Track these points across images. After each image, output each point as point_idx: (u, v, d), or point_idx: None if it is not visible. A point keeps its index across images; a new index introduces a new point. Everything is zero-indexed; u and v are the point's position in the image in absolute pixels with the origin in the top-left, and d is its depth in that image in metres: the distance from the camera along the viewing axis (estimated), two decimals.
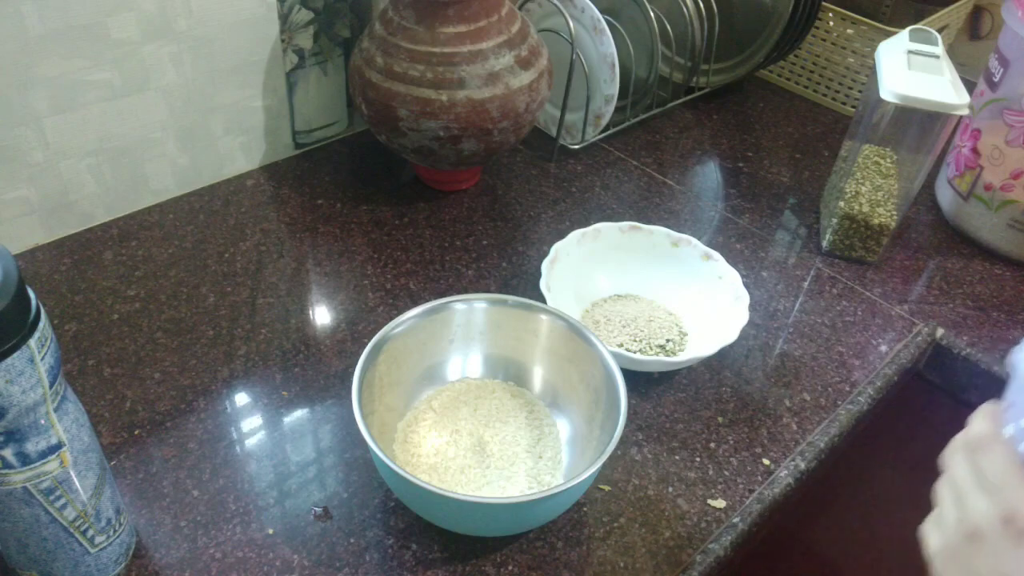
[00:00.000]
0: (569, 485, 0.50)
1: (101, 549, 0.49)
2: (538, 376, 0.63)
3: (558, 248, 0.71)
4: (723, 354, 0.69)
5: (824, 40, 1.03)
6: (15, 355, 0.39)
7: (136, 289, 0.72)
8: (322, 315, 0.71)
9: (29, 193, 0.72)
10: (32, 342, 0.40)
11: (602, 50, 0.87)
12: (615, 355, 0.58)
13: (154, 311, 0.70)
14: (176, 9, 0.72)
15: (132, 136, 0.76)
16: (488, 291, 0.74)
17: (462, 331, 0.62)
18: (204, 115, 0.80)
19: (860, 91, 1.03)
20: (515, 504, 0.51)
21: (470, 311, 0.62)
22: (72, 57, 0.69)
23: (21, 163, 0.71)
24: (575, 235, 0.72)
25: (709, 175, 0.93)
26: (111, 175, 0.77)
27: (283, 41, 0.81)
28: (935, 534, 0.39)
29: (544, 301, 0.64)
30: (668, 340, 0.68)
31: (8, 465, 0.42)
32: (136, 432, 0.60)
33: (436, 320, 0.61)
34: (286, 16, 0.80)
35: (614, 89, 0.88)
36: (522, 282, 0.75)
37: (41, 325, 0.40)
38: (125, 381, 0.64)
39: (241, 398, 0.64)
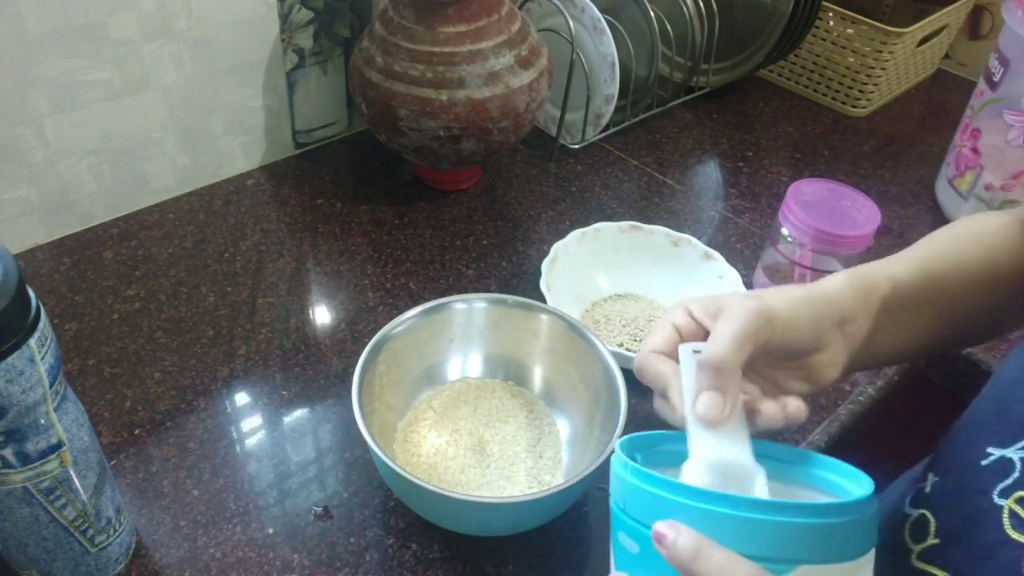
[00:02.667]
0: (569, 485, 0.50)
1: (101, 548, 0.49)
2: (538, 376, 0.63)
3: (558, 248, 0.71)
4: None
5: (824, 40, 1.03)
6: (15, 355, 0.39)
7: (136, 289, 0.72)
8: (322, 315, 0.71)
9: (29, 193, 0.72)
10: (32, 342, 0.40)
11: (602, 50, 0.87)
12: (615, 355, 0.58)
13: (154, 311, 0.70)
14: (176, 9, 0.72)
15: (132, 136, 0.76)
16: (488, 291, 0.74)
17: (462, 331, 0.62)
18: (204, 115, 0.80)
19: (860, 91, 1.03)
20: (515, 504, 0.50)
21: (470, 311, 0.62)
22: (72, 57, 0.69)
23: (21, 163, 0.71)
24: (575, 235, 0.72)
25: (709, 175, 0.93)
26: (111, 175, 0.77)
27: (283, 41, 0.81)
28: None
29: (544, 301, 0.64)
30: None
31: (8, 465, 0.42)
32: (136, 432, 0.60)
33: (436, 320, 0.61)
34: (286, 16, 0.80)
35: (614, 89, 0.88)
36: (522, 282, 0.75)
37: (41, 325, 0.40)
38: (125, 381, 0.64)
39: (241, 398, 0.64)
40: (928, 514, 0.45)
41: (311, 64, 0.85)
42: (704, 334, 0.41)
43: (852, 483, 0.38)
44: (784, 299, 0.40)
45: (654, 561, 0.34)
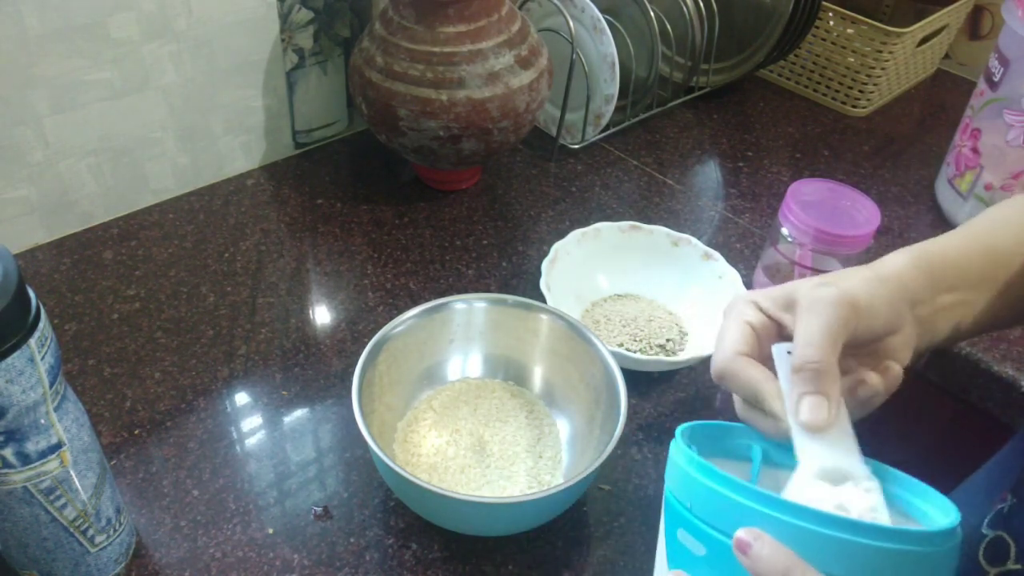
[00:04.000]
0: (568, 485, 0.50)
1: (101, 549, 0.49)
2: (538, 376, 0.63)
3: (558, 248, 0.71)
4: None
5: (824, 40, 1.03)
6: (15, 355, 0.39)
7: (136, 289, 0.72)
8: (322, 315, 0.71)
9: (29, 193, 0.72)
10: (32, 342, 0.40)
11: (602, 50, 0.87)
12: (615, 355, 0.58)
13: (154, 311, 0.70)
14: (176, 8, 0.72)
15: (132, 136, 0.76)
16: (488, 291, 0.74)
17: (462, 331, 0.62)
18: (204, 115, 0.80)
19: (860, 91, 1.03)
20: (515, 504, 0.51)
21: (470, 311, 0.62)
22: (72, 57, 0.69)
23: (21, 163, 0.70)
24: (575, 235, 0.72)
25: (709, 174, 0.93)
26: (111, 175, 0.77)
27: (283, 41, 0.81)
28: None
29: (544, 301, 0.64)
30: (668, 340, 0.68)
31: (8, 465, 0.42)
32: (136, 432, 0.60)
33: (436, 320, 0.61)
34: (286, 16, 0.80)
35: (614, 89, 0.88)
36: (522, 282, 0.75)
37: (41, 325, 0.40)
38: (125, 381, 0.64)
39: (241, 398, 0.64)
40: (1007, 536, 0.43)
41: (311, 64, 0.85)
42: (777, 328, 0.39)
43: (937, 509, 0.37)
44: (855, 282, 0.38)
45: (723, 566, 0.33)
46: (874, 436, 0.79)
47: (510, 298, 0.62)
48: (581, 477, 0.50)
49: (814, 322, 0.36)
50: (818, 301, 0.36)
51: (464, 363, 0.64)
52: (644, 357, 0.63)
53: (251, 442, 0.61)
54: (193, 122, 0.79)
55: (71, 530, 0.47)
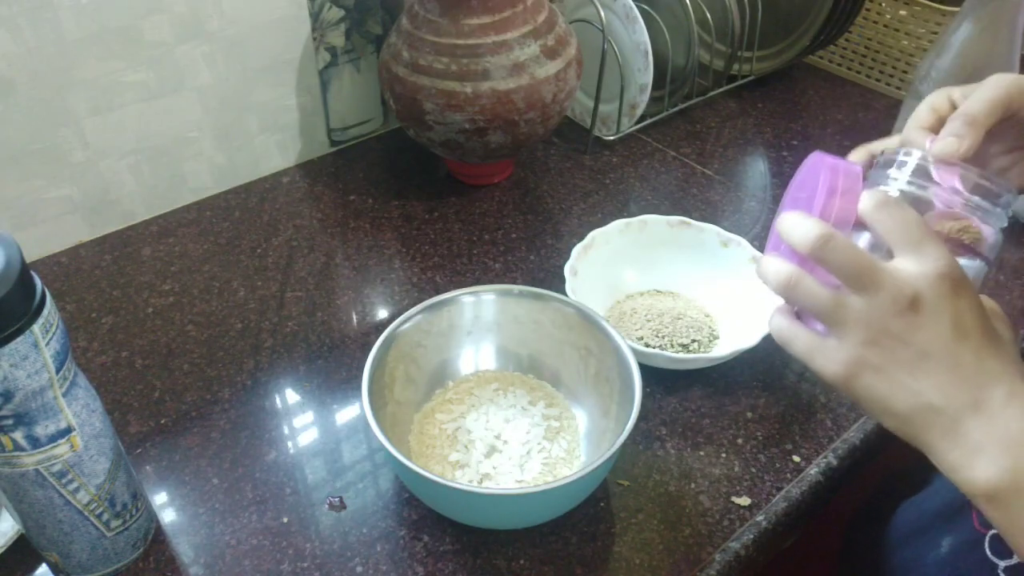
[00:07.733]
0: (578, 476, 0.48)
1: (117, 533, 0.50)
2: (554, 367, 0.62)
3: (596, 235, 0.69)
4: (756, 348, 0.67)
5: (876, 23, 0.99)
6: (18, 340, 0.40)
7: (171, 284, 0.74)
8: (348, 309, 0.72)
9: (72, 192, 0.75)
10: (36, 327, 0.41)
11: (635, 38, 0.85)
12: (632, 349, 0.57)
13: (186, 304, 0.72)
14: (208, 10, 0.74)
15: (169, 136, 0.78)
16: (515, 284, 0.73)
17: (477, 323, 0.62)
18: (239, 114, 0.81)
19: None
20: (524, 495, 0.50)
21: (479, 303, 0.61)
22: (108, 59, 0.71)
23: (63, 163, 0.73)
24: (618, 224, 0.70)
25: (751, 164, 0.90)
26: (150, 174, 0.79)
27: (315, 39, 0.82)
28: (845, 334, 0.39)
29: (565, 284, 0.63)
30: (694, 341, 0.65)
31: (19, 447, 0.43)
32: (163, 421, 0.62)
33: (445, 313, 0.60)
34: (317, 14, 0.81)
35: (648, 78, 0.86)
36: (549, 275, 0.74)
37: (46, 311, 0.42)
38: (155, 372, 0.66)
39: (265, 389, 0.64)
40: None
41: (344, 62, 0.86)
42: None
43: None
44: None
45: None
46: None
47: (516, 288, 0.61)
48: (590, 469, 0.49)
49: (984, 92, 0.43)
50: (995, 79, 0.43)
51: (479, 355, 0.63)
52: (651, 351, 0.61)
53: (271, 433, 0.61)
54: (229, 122, 0.81)
55: (85, 514, 0.48)
